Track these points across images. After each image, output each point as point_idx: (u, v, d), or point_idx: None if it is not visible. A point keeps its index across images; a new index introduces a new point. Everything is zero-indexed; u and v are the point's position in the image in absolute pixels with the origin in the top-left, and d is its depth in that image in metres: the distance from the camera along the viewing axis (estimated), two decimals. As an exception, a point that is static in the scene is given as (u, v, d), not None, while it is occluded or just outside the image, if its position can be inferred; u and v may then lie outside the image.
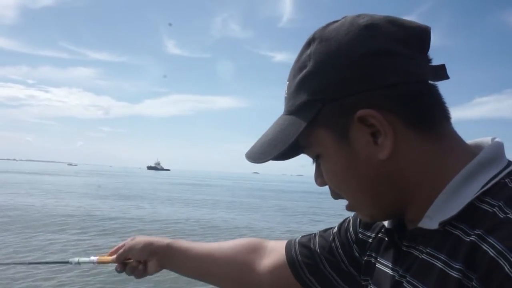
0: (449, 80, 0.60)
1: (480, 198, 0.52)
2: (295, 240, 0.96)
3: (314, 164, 0.68)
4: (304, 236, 0.96)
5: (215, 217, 17.71)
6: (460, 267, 0.49)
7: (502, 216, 0.48)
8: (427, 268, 0.55)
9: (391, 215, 0.65)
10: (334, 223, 0.94)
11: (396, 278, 0.63)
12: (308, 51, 0.60)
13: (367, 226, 0.80)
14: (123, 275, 1.08)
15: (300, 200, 30.27)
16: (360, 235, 0.82)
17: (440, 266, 0.52)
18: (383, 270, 0.69)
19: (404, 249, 0.63)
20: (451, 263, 0.50)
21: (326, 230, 0.93)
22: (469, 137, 0.64)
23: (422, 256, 0.57)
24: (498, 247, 0.45)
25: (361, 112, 0.55)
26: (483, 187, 0.52)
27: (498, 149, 0.57)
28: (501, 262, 0.44)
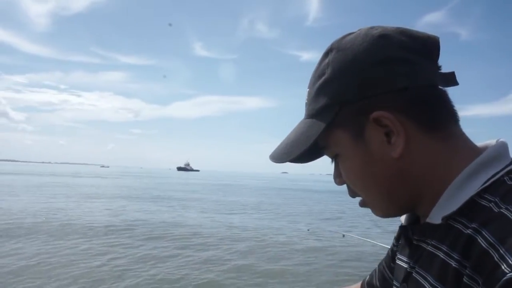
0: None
1: (480, 194, 0.56)
2: (364, 280, 1.00)
3: (333, 164, 0.73)
4: (369, 274, 1.00)
5: (247, 220, 17.61)
6: (458, 257, 0.53)
7: (496, 211, 0.53)
8: (431, 258, 0.60)
9: (403, 210, 0.69)
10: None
11: (407, 269, 0.68)
12: (327, 60, 0.66)
13: (399, 236, 0.84)
14: None
15: (331, 200, 29.92)
16: (394, 248, 0.85)
17: (442, 256, 0.57)
18: (399, 265, 0.74)
19: (415, 242, 0.67)
20: (451, 254, 0.55)
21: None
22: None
23: (428, 248, 0.61)
24: (490, 239, 0.50)
25: (375, 114, 0.60)
26: (483, 184, 0.56)
27: (500, 148, 0.61)
28: (491, 252, 0.48)
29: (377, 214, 0.71)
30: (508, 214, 0.51)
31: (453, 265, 0.53)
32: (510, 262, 0.46)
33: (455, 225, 0.57)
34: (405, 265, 0.70)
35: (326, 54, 0.67)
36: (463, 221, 0.56)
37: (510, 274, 0.45)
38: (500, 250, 0.47)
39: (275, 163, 0.72)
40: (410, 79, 0.60)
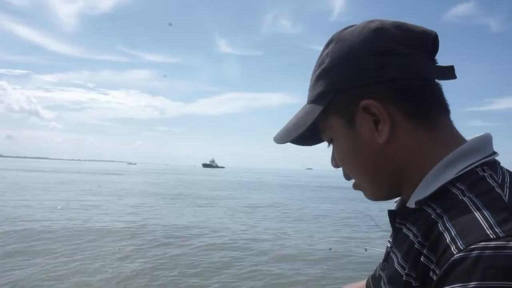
0: None
1: (452, 182, 0.60)
2: (370, 275, 1.02)
3: (330, 147, 0.78)
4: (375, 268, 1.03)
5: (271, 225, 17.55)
6: (421, 238, 0.58)
7: (460, 198, 0.56)
8: (403, 239, 0.64)
9: (390, 195, 0.73)
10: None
11: (388, 250, 0.75)
12: (327, 50, 0.71)
13: None
14: None
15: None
16: None
17: (411, 237, 0.61)
18: (387, 246, 0.79)
19: (397, 225, 0.72)
20: (417, 235, 0.59)
21: None
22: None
23: (403, 230, 0.66)
24: (447, 223, 0.54)
25: (364, 102, 0.65)
26: (457, 173, 0.60)
27: (481, 141, 0.65)
28: (445, 235, 0.52)
29: (367, 197, 0.75)
30: (467, 202, 0.54)
31: (416, 245, 0.58)
32: (458, 244, 0.49)
33: (427, 210, 0.60)
34: (389, 247, 0.76)
35: (327, 45, 0.72)
36: (434, 206, 0.59)
37: (457, 255, 0.48)
38: (452, 233, 0.51)
39: (277, 144, 0.79)
40: (400, 71, 0.64)
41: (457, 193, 0.57)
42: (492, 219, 0.50)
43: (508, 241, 0.47)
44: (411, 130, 0.65)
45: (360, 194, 0.77)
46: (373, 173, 0.69)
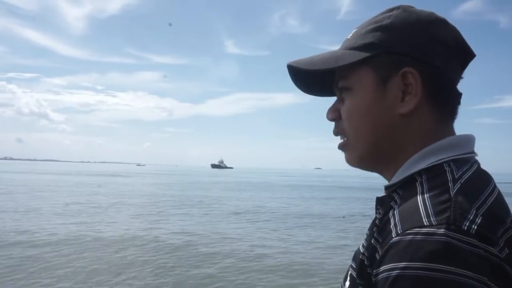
0: None
1: (420, 173, 0.64)
2: None
3: (336, 99, 0.79)
4: None
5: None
6: (377, 222, 0.63)
7: (416, 188, 0.61)
8: (372, 221, 0.67)
9: (373, 166, 0.76)
10: None
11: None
12: (390, 14, 0.72)
13: None
14: None
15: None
16: None
17: (376, 220, 0.65)
18: None
19: (376, 211, 0.73)
20: (377, 218, 0.64)
21: None
22: None
23: (376, 214, 0.69)
24: (396, 210, 0.59)
25: (407, 68, 0.67)
26: (428, 165, 0.64)
27: (459, 140, 0.69)
28: (391, 219, 0.58)
29: (349, 159, 0.77)
30: (418, 192, 0.59)
31: (374, 228, 0.63)
32: (398, 229, 0.55)
33: (394, 196, 0.65)
34: None
35: (391, 10, 0.73)
36: (400, 192, 0.65)
37: (394, 238, 0.54)
38: (396, 219, 0.57)
39: (289, 69, 0.78)
40: (445, 63, 0.68)
41: (417, 183, 0.62)
42: (431, 209, 0.54)
43: (438, 228, 0.51)
44: (427, 116, 0.68)
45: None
46: (376, 137, 0.71)
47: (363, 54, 0.70)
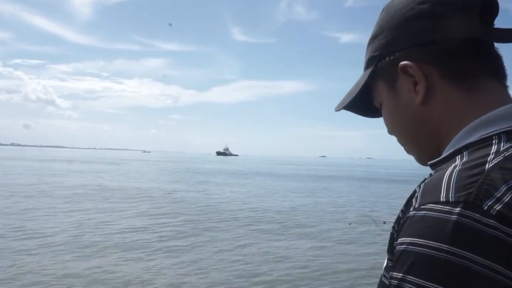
0: None
1: (467, 147, 0.58)
2: None
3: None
4: None
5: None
6: (411, 196, 0.58)
7: (455, 162, 0.55)
8: None
9: (432, 158, 0.69)
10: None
11: None
12: (377, 20, 0.74)
13: None
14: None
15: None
16: None
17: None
18: None
19: None
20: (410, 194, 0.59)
21: None
22: None
23: None
24: (424, 182, 0.56)
25: (401, 64, 0.66)
26: (476, 139, 0.58)
27: (509, 110, 0.61)
28: (416, 192, 0.55)
29: (417, 161, 0.77)
30: (452, 165, 0.55)
31: (405, 200, 0.60)
32: (417, 203, 0.52)
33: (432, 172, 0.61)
34: None
35: (379, 15, 0.75)
36: (438, 168, 0.60)
37: (411, 212, 0.52)
38: (418, 192, 0.54)
39: (336, 111, 0.83)
40: (439, 33, 0.64)
41: (457, 156, 0.57)
42: (454, 184, 0.50)
43: (454, 206, 0.48)
44: (448, 91, 0.64)
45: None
46: (412, 135, 0.71)
47: (367, 73, 0.74)
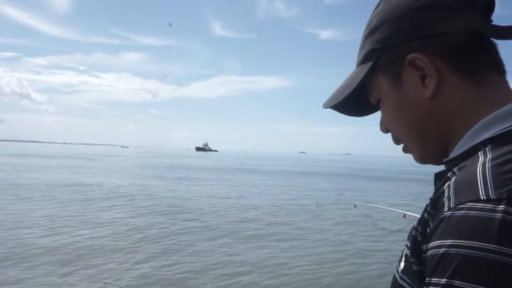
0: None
1: (484, 143, 0.57)
2: None
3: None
4: None
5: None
6: (433, 195, 0.57)
7: (479, 159, 0.53)
8: (433, 195, 0.61)
9: (438, 156, 0.68)
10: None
11: None
12: (375, 12, 0.71)
13: None
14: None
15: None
16: None
17: (431, 195, 0.60)
18: None
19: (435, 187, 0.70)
20: (435, 190, 0.59)
21: None
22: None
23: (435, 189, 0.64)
24: (451, 181, 0.53)
25: (410, 56, 0.63)
26: (493, 134, 0.56)
27: None
28: (445, 191, 0.52)
29: (416, 160, 0.74)
30: (480, 161, 0.53)
31: (428, 200, 0.58)
32: (451, 202, 0.50)
33: (453, 169, 0.58)
34: None
35: (376, 7, 0.72)
36: (460, 165, 0.58)
37: (446, 213, 0.49)
38: (450, 191, 0.51)
39: (324, 109, 0.78)
40: (447, 25, 0.62)
41: (480, 153, 0.55)
42: (491, 180, 0.48)
43: (497, 204, 0.46)
44: (458, 85, 0.63)
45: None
46: (419, 131, 0.68)
47: (366, 67, 0.70)
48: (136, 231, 10.39)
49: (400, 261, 0.64)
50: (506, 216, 0.44)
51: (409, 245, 0.60)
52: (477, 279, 0.43)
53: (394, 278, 0.63)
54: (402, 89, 0.67)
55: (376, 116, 0.81)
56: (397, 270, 0.63)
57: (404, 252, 0.62)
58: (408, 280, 0.58)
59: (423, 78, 0.64)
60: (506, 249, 0.43)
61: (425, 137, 0.68)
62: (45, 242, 8.87)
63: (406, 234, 0.65)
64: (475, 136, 0.59)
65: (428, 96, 0.63)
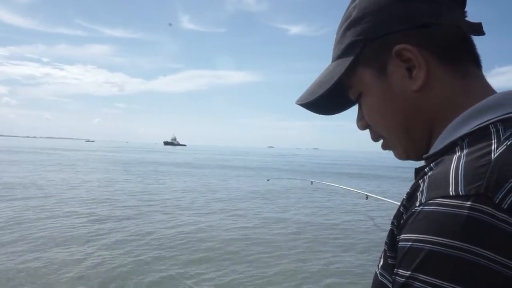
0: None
1: (463, 138, 0.57)
2: None
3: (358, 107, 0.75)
4: None
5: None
6: (409, 190, 0.56)
7: (455, 154, 0.54)
8: (409, 190, 0.59)
9: (422, 152, 0.67)
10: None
11: None
12: (354, 4, 0.69)
13: None
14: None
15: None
16: None
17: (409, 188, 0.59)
18: None
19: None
20: (412, 185, 0.57)
21: None
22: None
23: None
24: (426, 176, 0.53)
25: (398, 47, 0.62)
26: (471, 129, 0.57)
27: (505, 96, 0.60)
28: (420, 187, 0.52)
29: (398, 156, 0.72)
30: (455, 156, 0.53)
31: (405, 194, 0.57)
32: (423, 197, 0.50)
33: (431, 164, 0.58)
34: None
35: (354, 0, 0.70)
36: (438, 160, 0.57)
37: (417, 207, 0.50)
38: (424, 186, 0.52)
39: (298, 105, 0.75)
40: (433, 17, 0.62)
41: (456, 148, 0.55)
42: (462, 176, 0.48)
43: (465, 200, 0.46)
44: (445, 78, 0.62)
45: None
46: (405, 125, 0.66)
47: (348, 60, 0.68)
48: (95, 222, 10.20)
49: (380, 258, 0.64)
50: (472, 212, 0.45)
51: (387, 240, 0.60)
52: (439, 274, 0.44)
53: (375, 275, 0.64)
54: (387, 80, 0.65)
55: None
56: (378, 267, 0.63)
57: (384, 248, 0.62)
58: (387, 276, 0.58)
59: (409, 70, 0.63)
60: (469, 246, 0.43)
61: (412, 131, 0.66)
62: None
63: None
64: (454, 130, 0.59)
65: (416, 88, 0.62)
